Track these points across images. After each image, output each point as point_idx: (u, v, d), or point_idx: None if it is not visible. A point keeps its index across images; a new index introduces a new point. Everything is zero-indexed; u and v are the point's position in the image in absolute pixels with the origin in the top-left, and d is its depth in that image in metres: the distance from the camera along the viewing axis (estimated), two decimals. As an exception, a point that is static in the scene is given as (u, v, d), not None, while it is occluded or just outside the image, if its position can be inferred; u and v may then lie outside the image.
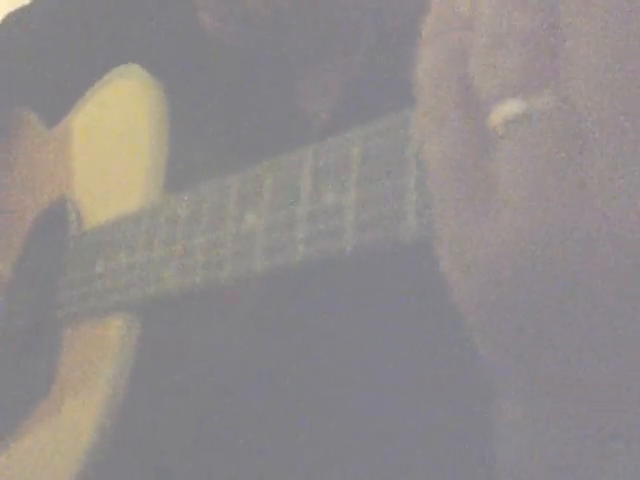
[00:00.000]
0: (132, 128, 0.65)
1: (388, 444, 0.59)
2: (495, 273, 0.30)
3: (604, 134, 0.28)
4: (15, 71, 0.82)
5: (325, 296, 0.59)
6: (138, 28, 0.73)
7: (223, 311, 0.60)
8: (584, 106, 0.28)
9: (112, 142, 0.68)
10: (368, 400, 0.59)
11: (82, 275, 0.65)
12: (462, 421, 0.57)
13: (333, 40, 0.66)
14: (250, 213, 0.49)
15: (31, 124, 0.79)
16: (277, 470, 0.62)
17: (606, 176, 0.28)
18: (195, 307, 0.59)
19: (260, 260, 0.48)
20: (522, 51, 0.30)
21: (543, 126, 0.29)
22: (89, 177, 0.70)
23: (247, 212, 0.50)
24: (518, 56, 0.30)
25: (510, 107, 0.30)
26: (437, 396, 0.57)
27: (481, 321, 0.31)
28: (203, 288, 0.54)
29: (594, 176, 0.28)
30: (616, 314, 0.29)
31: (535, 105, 0.29)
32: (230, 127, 0.66)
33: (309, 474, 0.61)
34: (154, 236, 0.58)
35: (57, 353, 0.67)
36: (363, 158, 0.43)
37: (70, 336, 0.67)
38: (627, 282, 0.28)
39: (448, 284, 0.32)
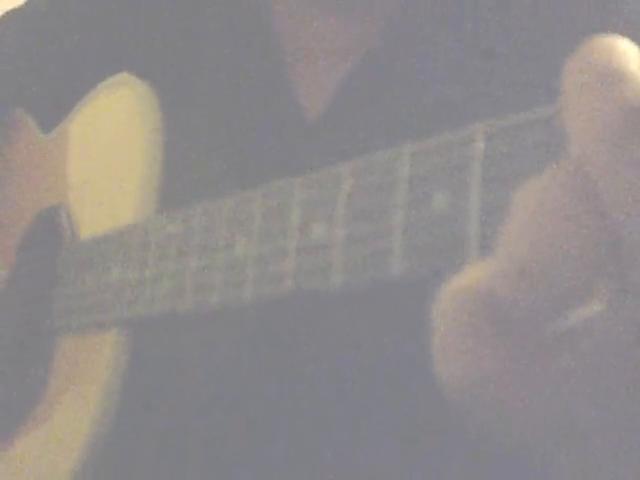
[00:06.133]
0: (126, 138, 0.65)
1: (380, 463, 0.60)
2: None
3: None
4: (12, 73, 0.82)
5: (313, 318, 0.60)
6: (134, 35, 0.73)
7: (214, 329, 0.60)
8: None
9: (107, 151, 0.68)
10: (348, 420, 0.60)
11: (74, 287, 0.66)
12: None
13: (333, 37, 0.66)
14: (241, 240, 0.50)
15: (27, 128, 0.79)
16: None
17: None
18: (187, 323, 0.59)
19: (249, 290, 0.48)
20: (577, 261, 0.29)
21: (608, 329, 0.29)
22: (84, 186, 0.70)
23: (238, 239, 0.50)
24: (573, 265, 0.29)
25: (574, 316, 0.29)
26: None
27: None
28: (193, 309, 0.54)
29: None
30: None
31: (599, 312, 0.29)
32: (225, 134, 0.66)
33: None
34: (146, 254, 0.58)
35: (49, 362, 0.68)
36: (352, 194, 0.43)
37: (62, 346, 0.67)
38: None
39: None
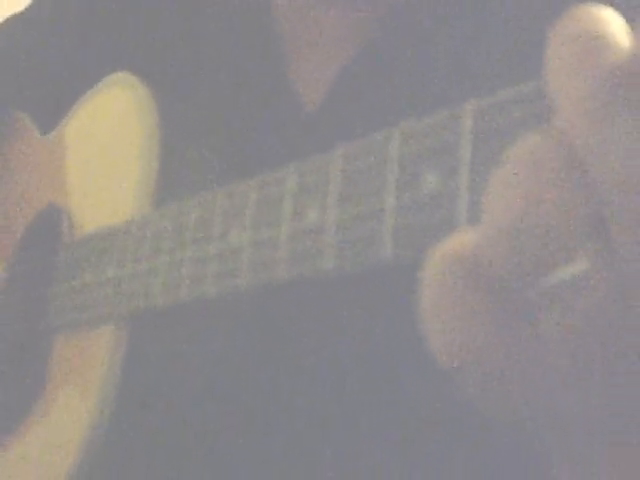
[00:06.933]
0: (123, 136, 0.65)
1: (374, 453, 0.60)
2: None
3: None
4: (11, 74, 0.83)
5: (308, 308, 0.60)
6: (131, 35, 0.73)
7: (210, 321, 0.60)
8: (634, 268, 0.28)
9: (104, 150, 0.68)
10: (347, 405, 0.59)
11: (71, 285, 0.66)
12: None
13: (331, 28, 0.66)
14: (235, 230, 0.50)
15: (25, 128, 0.79)
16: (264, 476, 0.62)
17: None
18: (183, 317, 0.59)
19: (244, 278, 0.48)
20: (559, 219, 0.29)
21: (592, 289, 0.29)
22: (81, 185, 0.70)
23: (232, 228, 0.50)
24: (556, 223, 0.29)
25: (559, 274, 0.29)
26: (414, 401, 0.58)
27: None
28: (189, 301, 0.54)
29: None
30: None
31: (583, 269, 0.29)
32: (223, 129, 0.66)
33: None
34: (141, 249, 0.58)
35: (46, 362, 0.68)
36: (344, 178, 0.43)
37: (59, 345, 0.67)
38: None
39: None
